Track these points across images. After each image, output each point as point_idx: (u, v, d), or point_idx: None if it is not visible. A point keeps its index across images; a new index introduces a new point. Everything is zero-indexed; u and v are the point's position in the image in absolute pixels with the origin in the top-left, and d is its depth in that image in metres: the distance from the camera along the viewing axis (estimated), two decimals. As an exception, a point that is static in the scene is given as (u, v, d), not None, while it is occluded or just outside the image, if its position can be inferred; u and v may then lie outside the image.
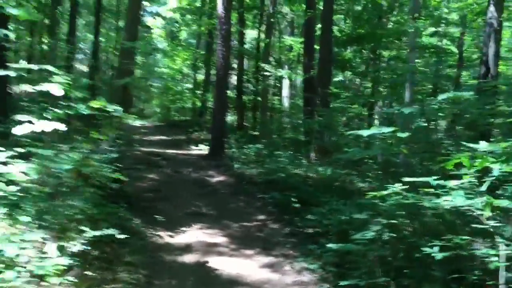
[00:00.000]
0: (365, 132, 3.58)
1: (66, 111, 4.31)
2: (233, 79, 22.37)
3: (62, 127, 4.01)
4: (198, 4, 20.14)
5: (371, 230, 5.12)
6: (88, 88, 15.23)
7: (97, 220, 5.79)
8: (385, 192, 3.31)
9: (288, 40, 20.00)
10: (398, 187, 3.25)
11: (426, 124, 5.42)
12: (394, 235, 5.01)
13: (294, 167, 11.22)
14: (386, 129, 3.58)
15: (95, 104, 4.14)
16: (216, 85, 12.37)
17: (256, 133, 13.06)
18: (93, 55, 17.82)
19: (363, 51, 15.91)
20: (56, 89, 4.08)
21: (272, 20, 13.04)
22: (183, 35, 26.87)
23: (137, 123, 5.56)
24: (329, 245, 4.85)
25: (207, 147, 13.09)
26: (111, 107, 4.22)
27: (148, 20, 30.48)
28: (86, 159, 4.37)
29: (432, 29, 17.98)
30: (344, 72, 20.37)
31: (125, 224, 6.58)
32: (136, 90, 23.66)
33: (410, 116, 4.73)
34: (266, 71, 12.47)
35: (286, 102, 22.32)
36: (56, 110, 4.11)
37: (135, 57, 7.40)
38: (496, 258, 2.72)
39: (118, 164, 5.69)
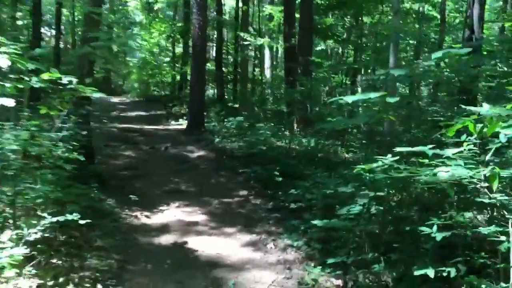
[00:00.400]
0: (350, 98, 3.20)
1: (16, 84, 3.85)
2: (213, 51, 21.79)
3: (10, 102, 3.56)
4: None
5: (358, 204, 4.81)
6: (54, 60, 14.47)
7: (65, 203, 5.39)
8: (374, 165, 2.96)
9: (268, 8, 19.40)
10: (388, 158, 2.89)
11: (413, 89, 5.06)
12: (382, 208, 4.72)
13: (276, 140, 10.90)
14: (373, 94, 3.20)
15: (46, 76, 3.67)
16: (193, 57, 11.82)
17: (237, 105, 12.61)
18: (56, 24, 16.93)
19: (345, 18, 15.42)
20: (1, 60, 3.61)
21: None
22: (160, 6, 25.88)
23: (97, 95, 4.99)
24: (314, 221, 4.51)
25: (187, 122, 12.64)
26: (65, 79, 3.76)
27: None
28: (34, 138, 3.92)
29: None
30: (326, 41, 19.92)
31: (96, 205, 6.18)
32: (105, 62, 22.79)
33: (398, 79, 4.34)
34: (245, 40, 11.92)
35: (268, 74, 21.83)
36: (2, 83, 3.64)
37: (101, 25, 6.85)
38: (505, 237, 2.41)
39: (74, 143, 5.22)
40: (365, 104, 4.37)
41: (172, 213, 6.81)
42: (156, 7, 24.50)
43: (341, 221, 4.47)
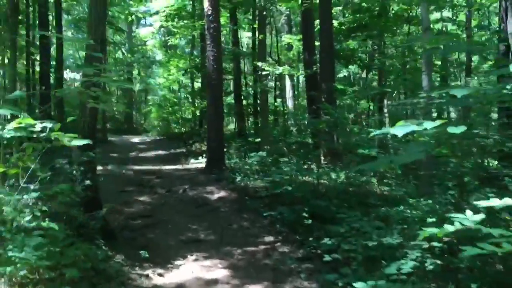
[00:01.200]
0: (399, 130, 2.36)
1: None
2: (231, 84, 21.28)
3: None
4: (187, 3, 18.84)
5: (409, 257, 3.89)
6: (56, 104, 13.86)
7: (62, 266, 4.64)
8: (450, 228, 2.08)
9: (286, 38, 18.85)
10: (468, 217, 2.03)
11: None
12: (440, 262, 3.80)
13: (302, 175, 10.06)
14: (429, 124, 2.36)
15: (15, 124, 2.97)
16: (208, 91, 11.18)
17: (259, 139, 11.86)
18: (57, 63, 16.44)
19: (367, 41, 14.66)
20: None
21: (265, 13, 11.81)
22: (177, 42, 25.75)
23: (76, 143, 4.35)
24: (357, 285, 3.60)
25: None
26: (39, 126, 3.05)
27: (141, 32, 29.57)
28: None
29: (437, 15, 16.77)
30: (348, 66, 19.18)
31: (101, 266, 5.39)
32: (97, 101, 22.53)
33: (461, 103, 3.49)
34: (264, 70, 11.26)
35: (290, 104, 21.12)
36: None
37: (106, 62, 6.34)
38: None
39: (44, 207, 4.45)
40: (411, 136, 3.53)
41: (189, 268, 5.97)
42: (171, 41, 24.34)
43: (391, 284, 3.56)
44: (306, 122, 13.91)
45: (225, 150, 12.13)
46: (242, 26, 20.83)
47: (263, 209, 8.18)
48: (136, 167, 12.65)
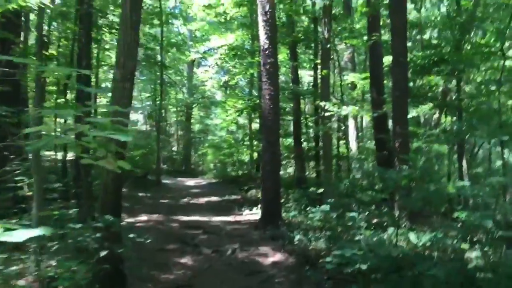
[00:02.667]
0: None
1: None
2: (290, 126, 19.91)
3: None
4: (246, 41, 17.95)
5: None
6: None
7: None
8: None
9: (350, 76, 17.43)
10: None
11: None
12: None
13: (375, 236, 8.36)
14: None
15: None
16: (263, 133, 9.86)
17: (321, 190, 10.31)
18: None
19: (447, 77, 12.87)
20: None
21: (329, 46, 10.47)
22: (235, 82, 25.01)
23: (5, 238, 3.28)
24: None
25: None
26: None
27: (200, 72, 29.27)
28: None
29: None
30: (419, 106, 17.32)
31: None
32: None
33: None
34: (327, 111, 9.82)
35: (353, 146, 19.42)
36: None
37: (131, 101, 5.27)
38: None
39: None
40: None
41: None
42: (231, 81, 23.60)
43: None
44: (375, 173, 12.26)
45: (282, 200, 10.66)
46: (302, 64, 19.66)
47: (328, 282, 6.54)
48: (184, 218, 11.41)
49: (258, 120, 22.01)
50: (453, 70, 10.98)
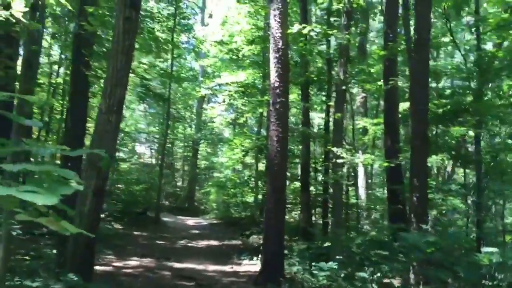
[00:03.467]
0: None
1: None
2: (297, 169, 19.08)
3: None
4: (257, 81, 17.40)
5: None
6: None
7: None
8: None
9: (362, 121, 16.77)
10: None
11: None
12: None
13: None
14: None
15: None
16: (269, 178, 9.05)
17: (327, 244, 9.37)
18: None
19: (464, 127, 12.11)
20: None
21: (345, 88, 9.78)
22: (244, 120, 24.41)
23: None
24: None
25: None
26: None
27: (209, 109, 28.79)
28: None
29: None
30: (431, 156, 16.51)
31: None
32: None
33: None
34: (340, 157, 9.02)
35: (362, 194, 18.49)
36: None
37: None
38: None
39: None
40: None
41: None
42: (239, 119, 23.00)
43: None
44: (382, 222, 11.36)
45: (285, 251, 9.73)
46: (313, 106, 19.04)
47: None
48: (177, 265, 10.48)
49: (265, 162, 21.30)
50: (476, 121, 10.19)
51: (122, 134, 31.19)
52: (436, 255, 5.39)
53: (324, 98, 15.97)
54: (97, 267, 9.17)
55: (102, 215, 16.62)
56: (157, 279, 8.79)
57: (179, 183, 34.86)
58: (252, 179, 20.30)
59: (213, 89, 28.13)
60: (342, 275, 8.25)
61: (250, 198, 21.61)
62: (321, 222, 13.96)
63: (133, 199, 20.23)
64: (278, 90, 9.03)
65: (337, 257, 8.25)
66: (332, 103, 12.41)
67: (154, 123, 32.46)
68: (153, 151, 38.05)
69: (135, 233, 15.56)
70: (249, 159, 25.40)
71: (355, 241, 8.27)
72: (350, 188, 18.71)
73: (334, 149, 9.23)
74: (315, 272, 8.97)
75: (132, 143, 34.02)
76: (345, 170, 15.39)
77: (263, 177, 17.01)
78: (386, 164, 9.48)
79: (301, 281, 8.66)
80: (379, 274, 8.53)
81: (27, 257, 5.83)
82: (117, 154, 27.45)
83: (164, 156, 32.92)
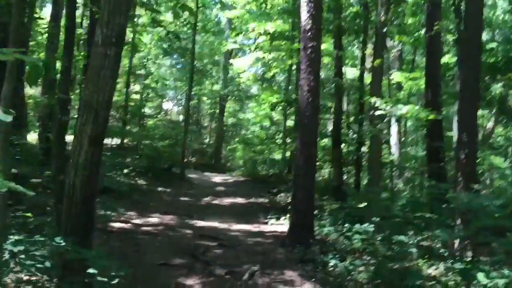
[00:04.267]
0: None
1: None
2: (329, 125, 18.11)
3: None
4: (288, 27, 16.14)
5: None
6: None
7: None
8: None
9: (397, 76, 15.55)
10: None
11: None
12: None
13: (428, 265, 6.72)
14: None
15: None
16: (299, 132, 8.20)
17: (363, 204, 8.55)
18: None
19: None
20: None
21: (385, 31, 8.65)
22: (272, 74, 23.40)
23: None
24: None
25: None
26: None
27: (235, 63, 27.75)
28: None
29: None
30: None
31: None
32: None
33: None
34: (379, 109, 8.02)
35: (395, 152, 17.48)
36: None
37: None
38: None
39: None
40: None
41: None
42: (267, 74, 22.08)
43: None
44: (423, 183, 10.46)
45: (315, 211, 8.99)
46: (345, 60, 17.83)
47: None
48: (200, 223, 9.91)
49: (294, 118, 20.36)
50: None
51: (149, 90, 30.80)
52: (501, 220, 4.53)
53: (356, 53, 14.78)
54: (114, 224, 8.68)
55: (125, 170, 16.33)
56: (177, 238, 8.23)
57: (206, 140, 34.39)
58: (280, 134, 19.46)
59: (240, 44, 27.07)
60: (379, 238, 7.50)
61: (277, 155, 20.89)
62: (353, 180, 13.12)
63: (158, 155, 19.79)
64: (309, 33, 8.04)
65: (373, 218, 7.45)
66: (368, 51, 11.35)
67: (181, 79, 31.63)
68: (180, 108, 37.57)
69: (159, 189, 15.11)
70: (277, 116, 24.53)
71: (398, 202, 7.44)
72: (382, 146, 17.75)
73: (373, 99, 8.25)
74: (348, 234, 8.25)
75: (158, 98, 33.59)
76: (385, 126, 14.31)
77: (292, 133, 16.15)
78: (432, 116, 8.46)
79: (333, 243, 7.96)
80: (419, 238, 7.77)
81: (29, 214, 5.26)
82: (143, 110, 27.10)
83: (190, 111, 32.47)
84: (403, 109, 8.19)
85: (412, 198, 7.94)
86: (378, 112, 8.15)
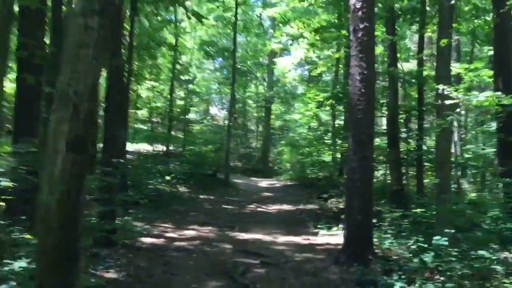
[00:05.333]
0: None
1: None
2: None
3: None
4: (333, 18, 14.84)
5: None
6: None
7: None
8: None
9: (456, 67, 13.89)
10: None
11: None
12: None
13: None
14: None
15: None
16: (350, 129, 6.97)
17: (428, 212, 7.13)
18: None
19: None
20: None
21: (451, 5, 7.24)
22: (319, 72, 22.19)
23: None
24: None
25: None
26: None
27: (280, 63, 26.67)
28: None
29: None
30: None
31: None
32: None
33: None
34: (448, 97, 6.60)
35: (455, 149, 15.74)
36: None
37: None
38: None
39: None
40: None
41: None
42: (313, 72, 20.90)
43: None
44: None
45: (373, 220, 7.70)
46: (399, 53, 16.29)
47: None
48: (242, 235, 8.87)
49: (343, 117, 18.99)
50: None
51: (194, 96, 30.27)
52: None
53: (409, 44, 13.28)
54: (145, 239, 7.79)
55: (167, 177, 15.60)
56: (214, 254, 7.20)
57: (253, 144, 33.49)
58: (329, 134, 18.14)
59: (284, 44, 25.98)
60: (455, 253, 6.15)
61: (327, 157, 19.61)
62: (413, 183, 11.65)
63: (202, 160, 19.00)
64: (360, 13, 6.83)
65: (446, 230, 6.13)
66: (430, 31, 9.94)
67: (225, 83, 30.89)
68: (226, 112, 36.92)
69: (201, 196, 14.26)
70: (324, 116, 23.22)
71: (487, 212, 6.05)
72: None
73: (440, 86, 6.89)
74: (413, 247, 6.95)
75: (201, 103, 33.06)
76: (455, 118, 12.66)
77: (341, 133, 14.83)
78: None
79: (397, 260, 6.68)
80: (506, 253, 6.36)
81: None
82: (187, 115, 26.59)
83: (236, 115, 31.68)
84: (479, 97, 6.78)
85: (506, 205, 6.45)
86: (448, 102, 6.80)
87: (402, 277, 5.86)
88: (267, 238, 8.69)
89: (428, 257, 6.01)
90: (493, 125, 12.00)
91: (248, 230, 9.32)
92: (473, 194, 13.54)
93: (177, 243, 7.74)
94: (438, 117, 7.42)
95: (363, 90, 6.80)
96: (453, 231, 6.19)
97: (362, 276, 6.09)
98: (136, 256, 6.68)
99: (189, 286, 5.68)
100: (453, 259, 6.00)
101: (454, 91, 6.78)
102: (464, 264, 5.95)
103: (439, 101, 7.22)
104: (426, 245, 6.25)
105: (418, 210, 7.39)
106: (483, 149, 14.35)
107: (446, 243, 5.98)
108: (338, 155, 18.39)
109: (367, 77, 6.82)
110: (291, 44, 22.70)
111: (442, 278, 5.90)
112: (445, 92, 6.84)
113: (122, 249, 6.92)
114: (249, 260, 6.93)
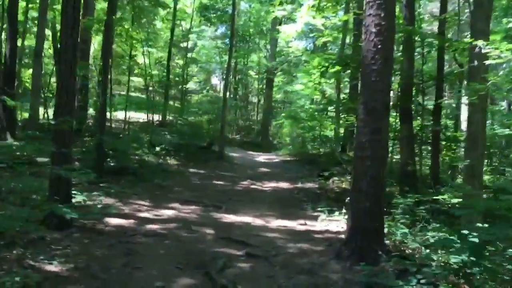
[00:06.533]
0: None
1: None
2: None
3: None
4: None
5: None
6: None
7: None
8: None
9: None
10: None
11: None
12: None
13: None
14: None
15: None
16: (361, 95, 5.63)
17: (456, 199, 5.92)
18: None
19: None
20: None
21: None
22: (325, 40, 20.64)
23: None
24: None
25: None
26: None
27: (282, 31, 25.11)
28: None
29: None
30: None
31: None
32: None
33: None
34: (484, 57, 5.29)
35: (464, 127, 14.41)
36: None
37: None
38: None
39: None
40: None
41: None
42: (318, 42, 19.40)
43: None
44: None
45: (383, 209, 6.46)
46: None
47: None
48: (229, 217, 7.66)
49: (348, 92, 17.57)
50: None
51: (194, 65, 28.91)
52: None
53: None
54: (111, 220, 6.56)
55: (157, 148, 14.37)
56: (191, 242, 5.98)
57: (254, 117, 32.20)
58: (332, 107, 16.76)
59: (288, 11, 24.36)
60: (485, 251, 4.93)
61: (330, 132, 18.31)
62: (429, 164, 10.37)
63: (195, 131, 17.74)
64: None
65: (478, 224, 4.88)
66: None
67: (226, 51, 29.40)
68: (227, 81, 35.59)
69: (191, 170, 13.05)
70: (329, 89, 21.76)
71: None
72: (448, 122, 14.78)
73: (479, 42, 5.52)
74: (432, 239, 5.74)
75: (202, 72, 31.76)
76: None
77: (347, 103, 13.45)
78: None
79: (411, 253, 5.46)
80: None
81: None
82: (186, 86, 25.27)
83: (237, 87, 30.29)
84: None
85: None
86: (487, 62, 5.46)
87: (421, 281, 4.64)
88: (257, 221, 7.48)
89: (457, 257, 4.78)
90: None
91: (237, 211, 8.11)
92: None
93: (149, 226, 6.52)
94: (471, 82, 6.09)
95: (379, 46, 5.45)
96: (486, 225, 4.93)
97: (370, 278, 4.86)
98: (94, 242, 5.46)
99: (152, 284, 4.48)
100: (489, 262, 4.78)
101: (496, 48, 5.42)
102: (496, 264, 4.75)
103: (475, 62, 5.88)
104: (453, 239, 5.02)
105: (442, 196, 6.11)
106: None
107: (476, 239, 4.75)
108: (341, 131, 17.12)
109: (386, 29, 5.46)
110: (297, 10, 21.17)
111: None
112: (483, 51, 5.50)
113: (78, 232, 5.70)
114: (232, 250, 5.72)
